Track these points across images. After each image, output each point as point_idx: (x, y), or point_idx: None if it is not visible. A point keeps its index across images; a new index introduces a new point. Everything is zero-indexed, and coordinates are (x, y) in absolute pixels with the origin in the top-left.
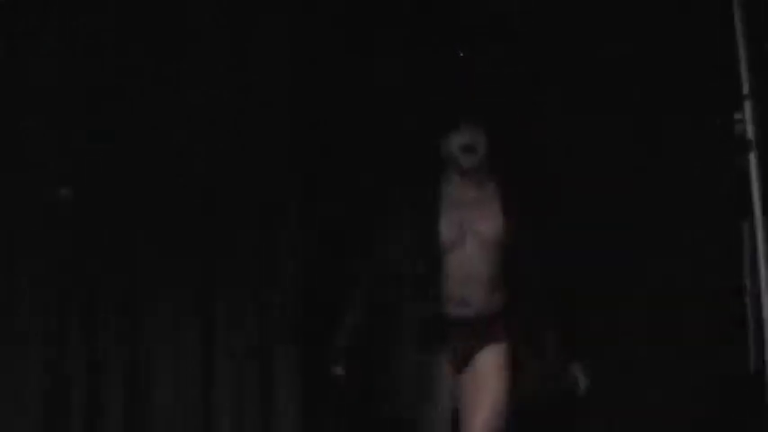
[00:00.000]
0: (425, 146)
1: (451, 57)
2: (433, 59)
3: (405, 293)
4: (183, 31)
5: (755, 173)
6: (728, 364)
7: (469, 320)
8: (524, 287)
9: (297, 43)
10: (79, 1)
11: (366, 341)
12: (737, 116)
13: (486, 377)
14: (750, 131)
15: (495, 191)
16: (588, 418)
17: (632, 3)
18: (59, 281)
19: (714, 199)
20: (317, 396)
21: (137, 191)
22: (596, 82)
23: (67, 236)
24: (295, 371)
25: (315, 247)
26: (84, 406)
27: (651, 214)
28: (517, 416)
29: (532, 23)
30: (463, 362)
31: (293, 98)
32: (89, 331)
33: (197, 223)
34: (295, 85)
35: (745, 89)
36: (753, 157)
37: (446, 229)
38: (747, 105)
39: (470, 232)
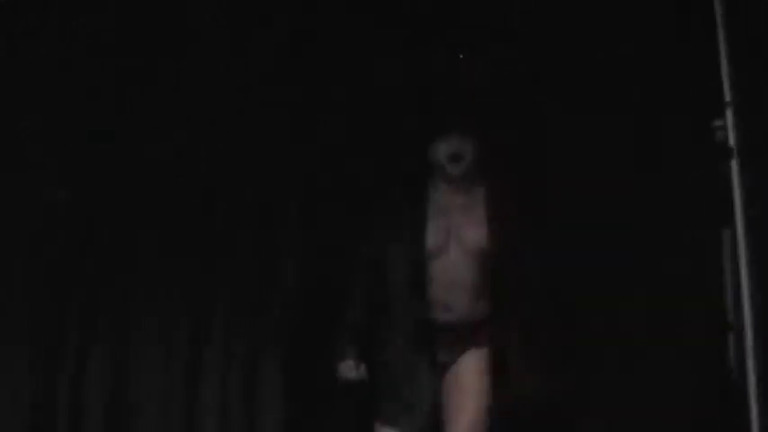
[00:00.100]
0: (415, 151)
1: (451, 57)
2: (433, 60)
3: (392, 295)
4: (183, 31)
5: (737, 180)
6: (727, 364)
7: (453, 326)
8: (509, 296)
9: (297, 43)
10: (79, 1)
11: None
12: (718, 123)
13: (468, 381)
14: (732, 138)
15: (483, 198)
16: (588, 418)
17: (614, 11)
18: (49, 280)
19: (698, 205)
20: (302, 396)
21: (136, 191)
22: (585, 85)
23: (60, 235)
24: (282, 371)
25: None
26: (69, 406)
27: (640, 217)
28: (513, 416)
29: (533, 23)
30: (446, 366)
31: (293, 98)
32: (76, 330)
33: (197, 223)
34: (295, 84)
35: (727, 96)
36: (734, 165)
37: (432, 235)
38: (729, 112)
39: (456, 239)
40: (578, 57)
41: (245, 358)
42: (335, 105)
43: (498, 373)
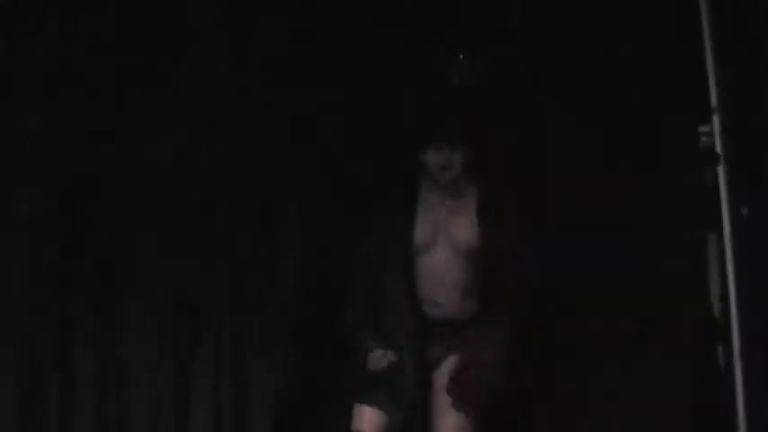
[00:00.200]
0: (410, 150)
1: (451, 57)
2: (433, 60)
3: (384, 290)
4: (183, 31)
5: (723, 185)
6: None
7: (442, 322)
8: (497, 296)
9: (297, 43)
10: (79, 1)
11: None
12: (704, 129)
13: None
14: (718, 144)
15: (473, 197)
16: (588, 418)
17: (600, 16)
18: (47, 281)
19: (686, 208)
20: (292, 396)
21: (136, 191)
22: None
23: (58, 235)
24: (273, 371)
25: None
26: (58, 406)
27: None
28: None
29: (533, 23)
30: (436, 362)
31: (293, 98)
32: (67, 330)
33: (197, 223)
34: (295, 84)
35: (714, 102)
36: (721, 170)
37: (420, 232)
38: (715, 118)
39: (443, 236)
40: (578, 57)
41: (239, 358)
42: (335, 105)
43: (486, 372)
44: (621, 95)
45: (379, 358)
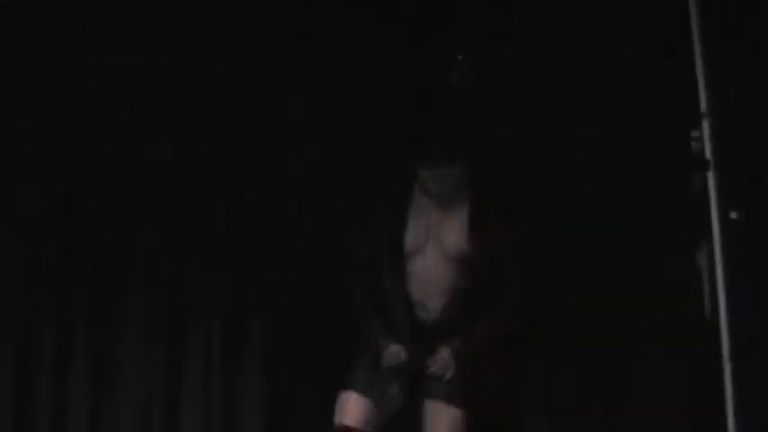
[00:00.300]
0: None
1: (451, 57)
2: (433, 60)
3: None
4: (183, 31)
5: (713, 191)
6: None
7: (430, 324)
8: (486, 301)
9: (297, 43)
10: (79, 1)
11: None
12: (694, 134)
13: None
14: (708, 150)
15: (464, 205)
16: (588, 418)
17: (600, 17)
18: (45, 281)
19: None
20: (283, 397)
21: (136, 191)
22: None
23: (57, 235)
24: (263, 370)
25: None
26: (51, 406)
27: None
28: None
29: (533, 23)
30: (424, 365)
31: (293, 98)
32: (64, 329)
33: (197, 223)
34: (295, 84)
35: (703, 107)
36: (711, 176)
37: (411, 235)
38: (705, 123)
39: (434, 240)
40: (577, 57)
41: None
42: (335, 105)
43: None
44: (621, 96)
45: (396, 354)
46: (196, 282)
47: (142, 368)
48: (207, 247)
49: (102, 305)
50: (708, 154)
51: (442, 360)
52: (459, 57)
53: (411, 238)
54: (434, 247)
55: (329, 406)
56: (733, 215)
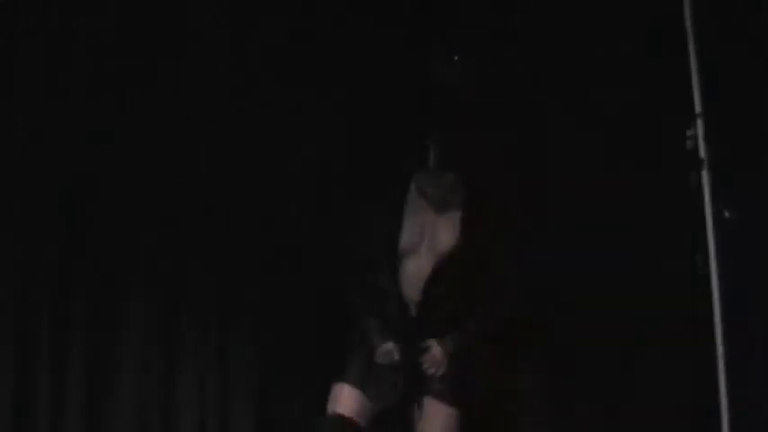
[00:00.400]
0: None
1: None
2: (433, 60)
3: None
4: (183, 31)
5: (708, 191)
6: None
7: (423, 323)
8: (478, 301)
9: (297, 43)
10: (79, 1)
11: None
12: (689, 132)
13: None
14: (702, 150)
15: (459, 207)
16: (587, 418)
17: (599, 17)
18: (45, 281)
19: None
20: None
21: (136, 191)
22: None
23: (57, 235)
24: (254, 370)
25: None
26: (50, 406)
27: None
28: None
29: (533, 23)
30: (414, 362)
31: (293, 98)
32: (63, 330)
33: (197, 223)
34: (295, 84)
35: (698, 107)
36: (705, 176)
37: (406, 235)
38: (699, 123)
39: (428, 240)
40: (577, 57)
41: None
42: (335, 105)
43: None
44: (620, 96)
45: (389, 352)
46: (195, 282)
47: (141, 368)
48: (206, 247)
49: (101, 305)
50: (702, 153)
51: (434, 357)
52: (456, 57)
53: (406, 238)
54: (428, 248)
55: (323, 407)
56: (727, 214)
